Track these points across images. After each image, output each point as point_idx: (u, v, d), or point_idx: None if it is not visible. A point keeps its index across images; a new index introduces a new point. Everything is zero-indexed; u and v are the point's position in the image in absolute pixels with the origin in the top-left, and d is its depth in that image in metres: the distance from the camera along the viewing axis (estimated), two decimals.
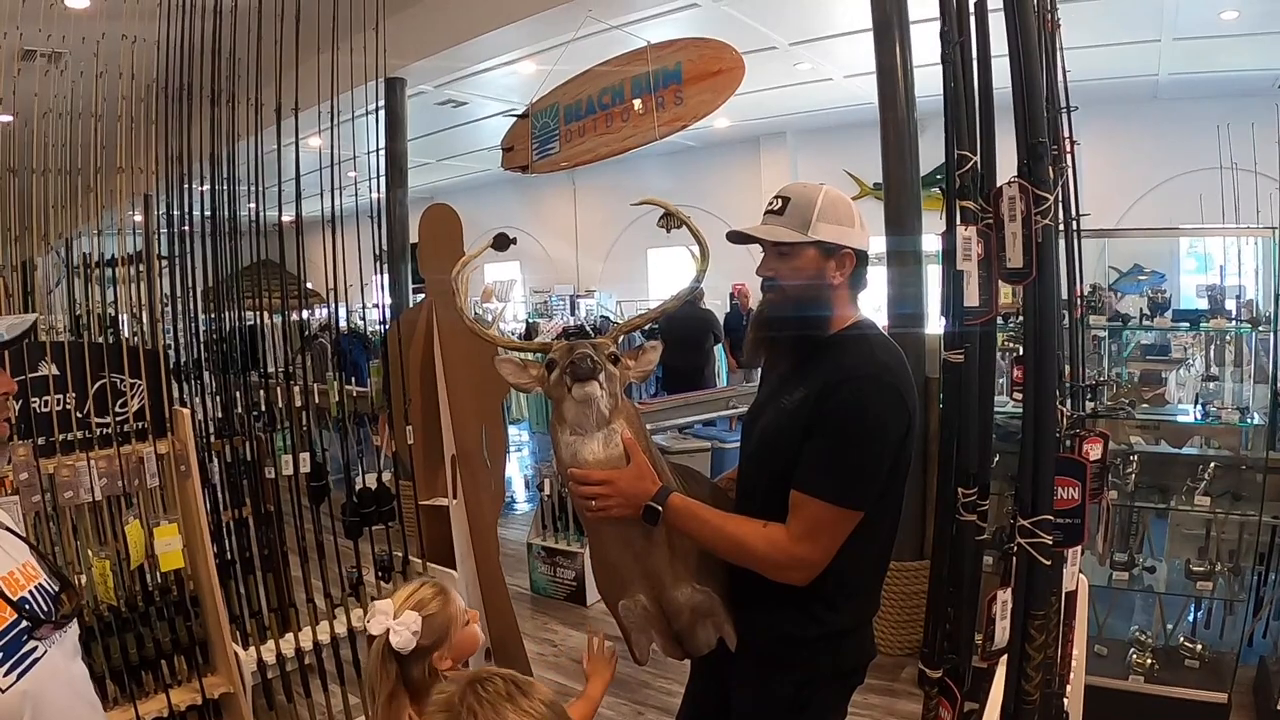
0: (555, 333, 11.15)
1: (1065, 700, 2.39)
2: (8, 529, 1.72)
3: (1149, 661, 4.16)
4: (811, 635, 2.30)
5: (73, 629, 1.70)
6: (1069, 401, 2.23)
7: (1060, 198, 2.23)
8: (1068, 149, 2.36)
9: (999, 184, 1.50)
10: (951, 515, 1.70)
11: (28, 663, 1.50)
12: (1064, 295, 2.28)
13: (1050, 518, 1.57)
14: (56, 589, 1.68)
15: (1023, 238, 1.51)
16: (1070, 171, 2.47)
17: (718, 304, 12.48)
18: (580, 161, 6.91)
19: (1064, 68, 2.46)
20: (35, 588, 1.62)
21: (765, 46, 8.18)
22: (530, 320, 14.13)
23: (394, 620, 2.15)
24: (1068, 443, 1.85)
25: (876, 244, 2.17)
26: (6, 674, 1.45)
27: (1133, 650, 4.24)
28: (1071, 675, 2.56)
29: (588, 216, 16.39)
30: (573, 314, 14.66)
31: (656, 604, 2.46)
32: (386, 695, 2.14)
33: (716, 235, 2.42)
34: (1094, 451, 1.82)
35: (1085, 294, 3.15)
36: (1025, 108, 1.53)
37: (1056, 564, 1.65)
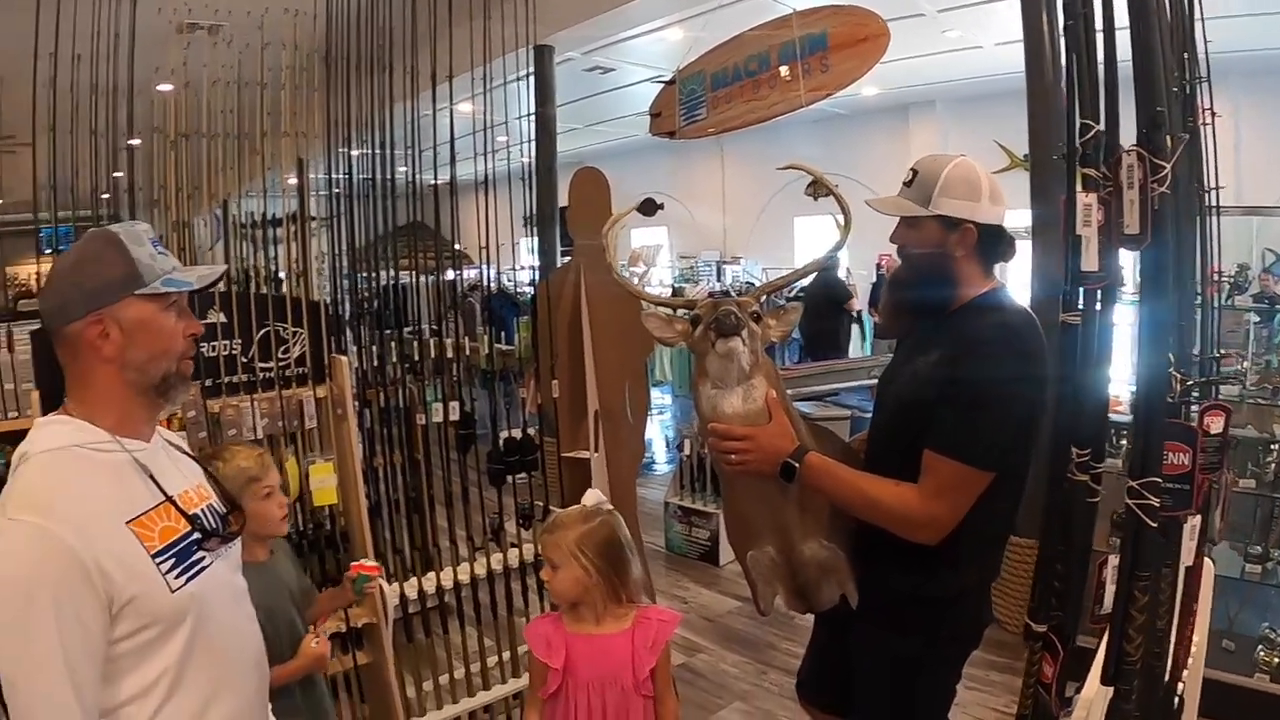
0: (702, 297, 11.19)
1: (1181, 685, 2.39)
2: (185, 453, 1.91)
3: (1276, 660, 3.99)
4: (931, 596, 2.36)
5: (236, 546, 1.89)
6: (1196, 372, 2.21)
7: (1190, 169, 2.20)
8: (1205, 120, 2.31)
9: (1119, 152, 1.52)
10: (1063, 473, 1.72)
11: (196, 570, 1.67)
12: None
13: (1158, 480, 1.59)
14: (224, 510, 1.86)
15: (1139, 204, 1.53)
16: (1209, 143, 2.42)
17: (864, 274, 12.37)
18: (727, 128, 6.95)
19: (1204, 37, 2.40)
20: (206, 507, 1.80)
21: (913, 13, 7.99)
22: (676, 285, 14.19)
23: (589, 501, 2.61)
24: (1185, 411, 1.84)
25: (1024, 216, 2.16)
26: (178, 577, 1.62)
27: (1260, 647, 4.07)
28: (1190, 660, 2.54)
29: (735, 183, 16.33)
30: (718, 280, 14.69)
31: (784, 556, 2.54)
32: None
33: (863, 204, 2.47)
34: (1215, 425, 1.82)
35: (1221, 271, 3.06)
36: (1144, 79, 1.56)
37: (1165, 529, 1.66)
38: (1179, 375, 1.65)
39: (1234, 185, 9.58)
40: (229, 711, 1.73)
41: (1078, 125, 1.61)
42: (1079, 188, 1.59)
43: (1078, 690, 2.04)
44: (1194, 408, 1.88)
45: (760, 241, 15.64)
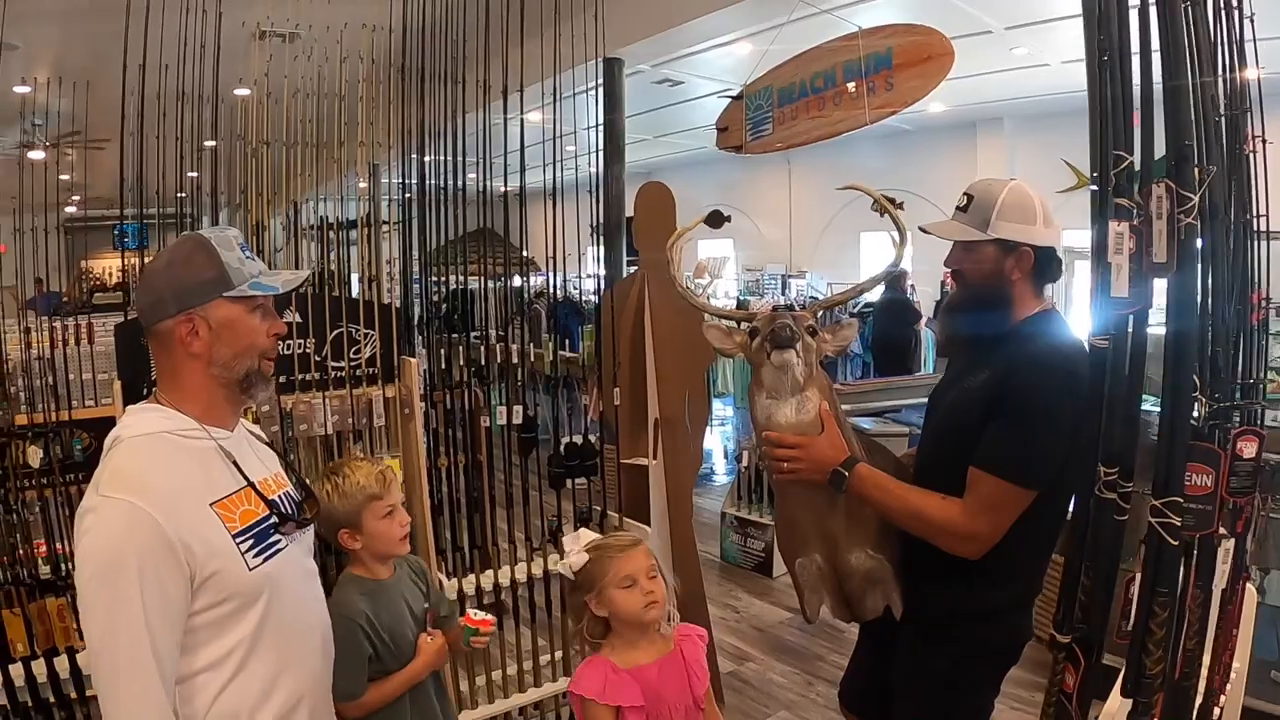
0: (763, 311, 11.24)
1: (1219, 710, 2.41)
2: (265, 443, 2.06)
3: None
4: (972, 610, 2.42)
5: (310, 532, 2.03)
6: (1235, 397, 2.25)
7: (1230, 196, 2.24)
8: (1252, 148, 2.35)
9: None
10: (1092, 490, 1.79)
11: (271, 551, 1.80)
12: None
13: (1180, 500, 1.66)
14: (300, 498, 2.00)
15: (1167, 234, 1.60)
16: (1258, 170, 2.46)
17: (928, 290, 12.32)
18: (792, 144, 7.02)
19: (1257, 63, 2.43)
20: (283, 494, 1.94)
21: (980, 30, 8.02)
22: (741, 298, 14.26)
23: (576, 547, 2.35)
24: (1221, 435, 1.90)
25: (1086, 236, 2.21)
26: (255, 556, 1.75)
27: None
28: (1229, 686, 2.56)
29: (802, 197, 16.36)
30: (783, 293, 14.73)
31: (830, 565, 2.60)
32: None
33: (929, 221, 2.53)
34: (1248, 449, 1.86)
35: (1269, 297, 3.08)
36: (1174, 114, 1.63)
37: (1192, 548, 1.73)
38: (1204, 399, 1.71)
39: None
40: (294, 688, 1.85)
41: (1111, 156, 1.68)
42: (1110, 216, 1.66)
43: None
44: (1233, 432, 1.92)
45: (825, 256, 15.66)
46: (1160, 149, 1.66)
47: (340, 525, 2.47)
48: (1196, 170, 1.60)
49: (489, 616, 2.66)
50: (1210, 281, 1.87)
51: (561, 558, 2.39)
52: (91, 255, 14.68)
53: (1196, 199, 1.56)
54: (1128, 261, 1.62)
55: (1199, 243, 1.66)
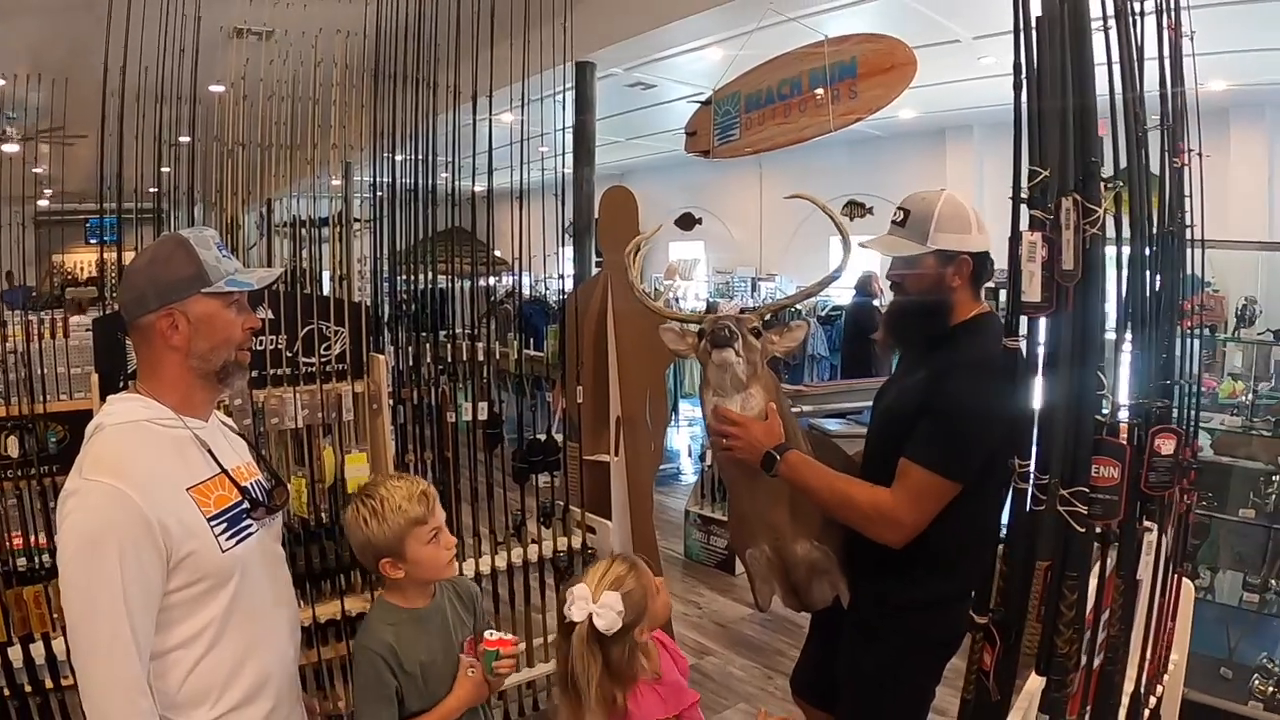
0: (734, 312, 11.34)
1: (1155, 699, 2.55)
2: (238, 434, 2.17)
3: (1271, 690, 4.06)
4: (910, 602, 2.54)
5: (279, 519, 2.13)
6: (1175, 399, 2.39)
7: (1167, 207, 2.38)
8: (1184, 161, 2.48)
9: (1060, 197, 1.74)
10: (1010, 483, 1.93)
11: (243, 534, 1.91)
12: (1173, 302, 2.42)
13: (1085, 490, 1.79)
14: (270, 486, 2.09)
15: (1075, 245, 1.74)
16: (1192, 182, 2.59)
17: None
18: (759, 149, 7.12)
19: (1196, 80, 2.56)
20: (254, 482, 2.04)
21: (948, 39, 8.17)
22: (711, 301, 14.34)
23: (595, 604, 2.06)
24: (1134, 432, 2.04)
25: None
26: (228, 539, 1.86)
27: (1256, 676, 4.14)
28: (1166, 679, 2.69)
29: (772, 200, 16.44)
30: (753, 296, 14.84)
31: (778, 555, 2.73)
32: (597, 682, 2.06)
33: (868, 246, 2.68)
34: (1165, 447, 2.00)
35: (1202, 304, 3.23)
36: (1081, 135, 1.78)
37: (1091, 533, 1.87)
38: (1111, 398, 1.85)
39: (1265, 220, 9.67)
40: (262, 666, 1.95)
41: (1025, 170, 1.81)
42: (1025, 226, 1.79)
43: None
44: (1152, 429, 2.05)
45: (795, 259, 15.75)
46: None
47: (381, 555, 2.27)
48: (1103, 184, 1.74)
49: (508, 635, 2.42)
50: (1123, 289, 2.02)
51: (525, 548, 2.34)
52: (62, 249, 14.63)
53: (1101, 211, 1.70)
54: (1040, 269, 1.75)
55: (1108, 252, 1.80)
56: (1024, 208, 1.82)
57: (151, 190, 3.92)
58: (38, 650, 2.90)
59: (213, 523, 1.83)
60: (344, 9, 4.13)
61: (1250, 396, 4.67)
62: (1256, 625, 4.46)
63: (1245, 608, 4.36)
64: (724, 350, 2.46)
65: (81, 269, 17.10)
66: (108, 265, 4.16)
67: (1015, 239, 1.79)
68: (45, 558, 2.98)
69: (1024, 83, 1.85)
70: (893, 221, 2.59)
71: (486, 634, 2.39)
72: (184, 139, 3.96)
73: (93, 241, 15.87)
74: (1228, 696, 4.03)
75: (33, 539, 3.11)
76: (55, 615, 2.87)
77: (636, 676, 2.13)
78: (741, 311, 2.84)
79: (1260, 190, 9.90)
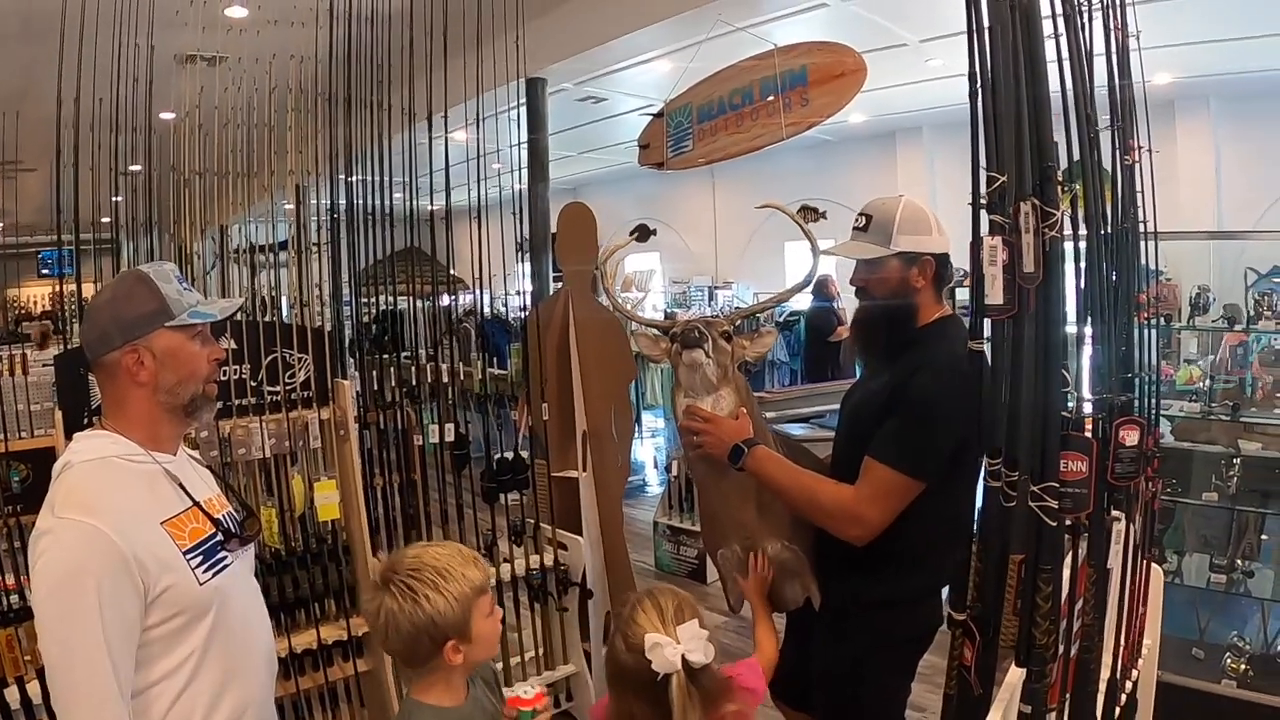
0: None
1: (1131, 683, 2.59)
2: (207, 467, 2.16)
3: (1243, 667, 4.13)
4: (878, 599, 2.57)
5: (251, 549, 2.13)
6: (1137, 390, 2.44)
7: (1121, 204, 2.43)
8: (1135, 159, 2.53)
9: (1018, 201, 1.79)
10: (981, 480, 1.97)
11: (220, 566, 1.90)
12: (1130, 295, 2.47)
13: (1055, 485, 1.83)
14: (241, 517, 2.09)
15: (1035, 247, 1.79)
16: (1143, 178, 2.64)
17: (853, 298, 12.53)
18: (713, 159, 7.18)
19: (1144, 77, 2.61)
20: (226, 514, 2.03)
21: (896, 44, 8.28)
22: (669, 311, 14.33)
23: (683, 644, 1.85)
24: (1098, 425, 2.08)
25: None
26: (205, 571, 1.84)
27: (1228, 655, 4.21)
28: (1141, 663, 2.73)
29: (726, 209, 16.55)
30: (710, 304, 14.89)
31: (749, 556, 2.75)
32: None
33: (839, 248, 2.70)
34: (1130, 438, 2.05)
35: (1156, 296, 3.29)
36: (1038, 142, 1.83)
37: (1062, 526, 1.91)
38: (1075, 393, 1.89)
39: (1214, 208, 9.85)
40: (242, 696, 1.94)
41: (984, 177, 1.85)
42: (985, 232, 1.83)
43: None
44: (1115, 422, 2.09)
45: (751, 266, 15.83)
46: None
47: (448, 637, 1.88)
48: (1060, 188, 1.78)
49: (531, 688, 2.18)
50: (1084, 285, 2.06)
51: (497, 567, 2.29)
52: (13, 284, 14.41)
53: (1059, 214, 1.74)
54: (1001, 272, 1.79)
55: (1067, 251, 1.84)
56: (984, 213, 1.86)
57: (105, 220, 3.88)
58: (12, 695, 2.84)
59: (189, 555, 1.82)
60: (296, 33, 4.12)
61: (1208, 382, 4.75)
62: (1225, 605, 4.53)
63: (1213, 589, 4.42)
64: (693, 351, 2.52)
65: (35, 302, 16.85)
66: (66, 298, 4.11)
67: (976, 244, 1.83)
68: (14, 599, 2.92)
69: (979, 91, 1.88)
70: (855, 227, 2.62)
71: (516, 692, 2.16)
72: (135, 168, 3.93)
73: (45, 274, 15.69)
74: (1201, 676, 4.10)
75: (1, 581, 3.06)
76: (28, 659, 2.81)
77: (730, 687, 1.97)
78: (712, 316, 2.89)
79: (1208, 179, 10.11)
